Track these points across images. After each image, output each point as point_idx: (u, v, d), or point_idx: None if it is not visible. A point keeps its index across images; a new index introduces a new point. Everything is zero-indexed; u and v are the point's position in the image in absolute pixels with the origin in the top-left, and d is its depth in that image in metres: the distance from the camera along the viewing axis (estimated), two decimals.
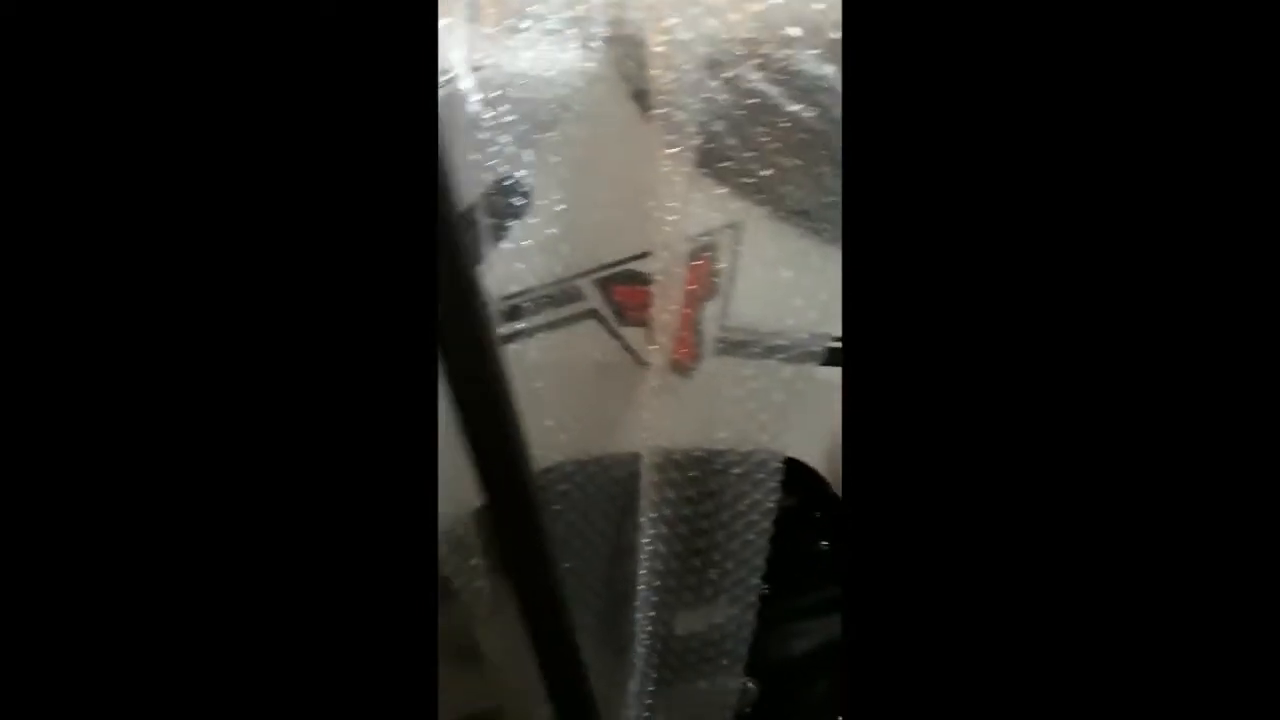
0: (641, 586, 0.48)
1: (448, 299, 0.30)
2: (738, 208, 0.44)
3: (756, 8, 0.40)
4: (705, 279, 0.45)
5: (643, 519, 0.47)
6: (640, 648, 0.48)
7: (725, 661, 0.49)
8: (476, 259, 0.32)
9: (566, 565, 0.46)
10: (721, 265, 0.45)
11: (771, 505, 0.46)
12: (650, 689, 0.49)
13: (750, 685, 0.52)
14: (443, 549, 0.49)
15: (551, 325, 0.46)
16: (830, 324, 0.46)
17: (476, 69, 0.45)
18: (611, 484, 0.48)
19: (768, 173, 0.43)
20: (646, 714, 0.50)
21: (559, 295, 0.46)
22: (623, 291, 0.46)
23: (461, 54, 0.44)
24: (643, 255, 0.45)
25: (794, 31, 0.40)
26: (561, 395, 0.45)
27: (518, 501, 0.36)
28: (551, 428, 0.46)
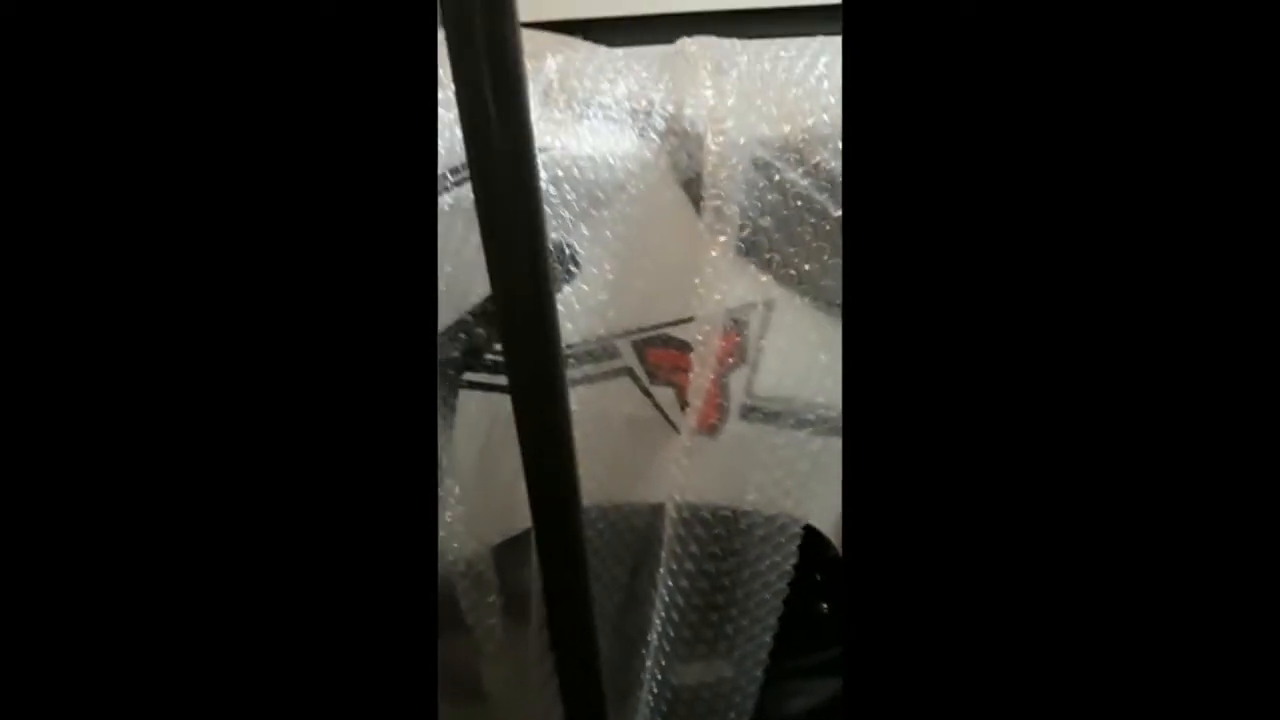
0: (654, 635, 0.50)
1: (522, 334, 0.34)
2: (773, 290, 0.49)
3: (807, 122, 0.46)
4: (737, 349, 0.49)
5: (662, 569, 0.49)
6: (648, 694, 0.50)
7: (731, 715, 0.50)
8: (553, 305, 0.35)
9: None
10: (753, 338, 0.49)
11: (789, 568, 0.49)
12: None
13: None
14: (462, 583, 0.51)
15: (588, 379, 0.50)
16: (834, 388, 0.50)
17: (543, 150, 0.50)
18: (631, 533, 0.51)
19: (806, 265, 0.48)
20: None
21: (598, 352, 0.50)
22: (656, 354, 0.50)
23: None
24: (679, 322, 0.50)
25: (839, 144, 0.46)
26: (591, 444, 0.49)
27: (566, 535, 0.39)
28: (579, 475, 0.49)
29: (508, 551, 0.51)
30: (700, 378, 0.48)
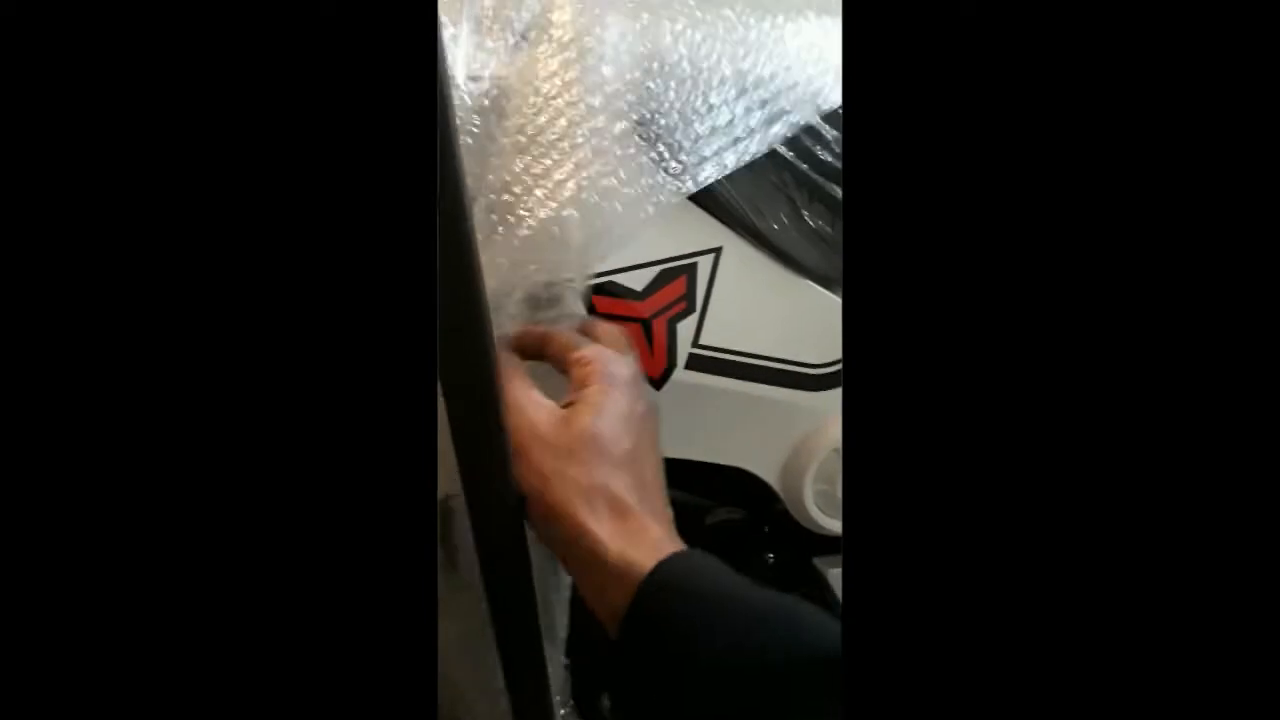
0: None
1: (445, 290, 0.32)
2: (722, 236, 0.47)
3: (765, 71, 0.43)
4: (684, 296, 0.47)
5: None
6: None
7: None
8: (475, 254, 0.33)
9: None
10: (700, 285, 0.47)
11: (736, 520, 0.48)
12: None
13: None
14: None
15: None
16: (793, 350, 0.49)
17: (474, 79, 0.47)
18: None
19: (757, 212, 0.46)
20: (608, 704, 0.52)
21: (540, 299, 0.48)
22: (602, 302, 0.48)
23: (462, 64, 0.46)
24: (624, 269, 0.48)
25: (794, 91, 0.43)
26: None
27: (498, 498, 0.37)
28: None
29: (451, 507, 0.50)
30: (643, 325, 0.47)
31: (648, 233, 0.46)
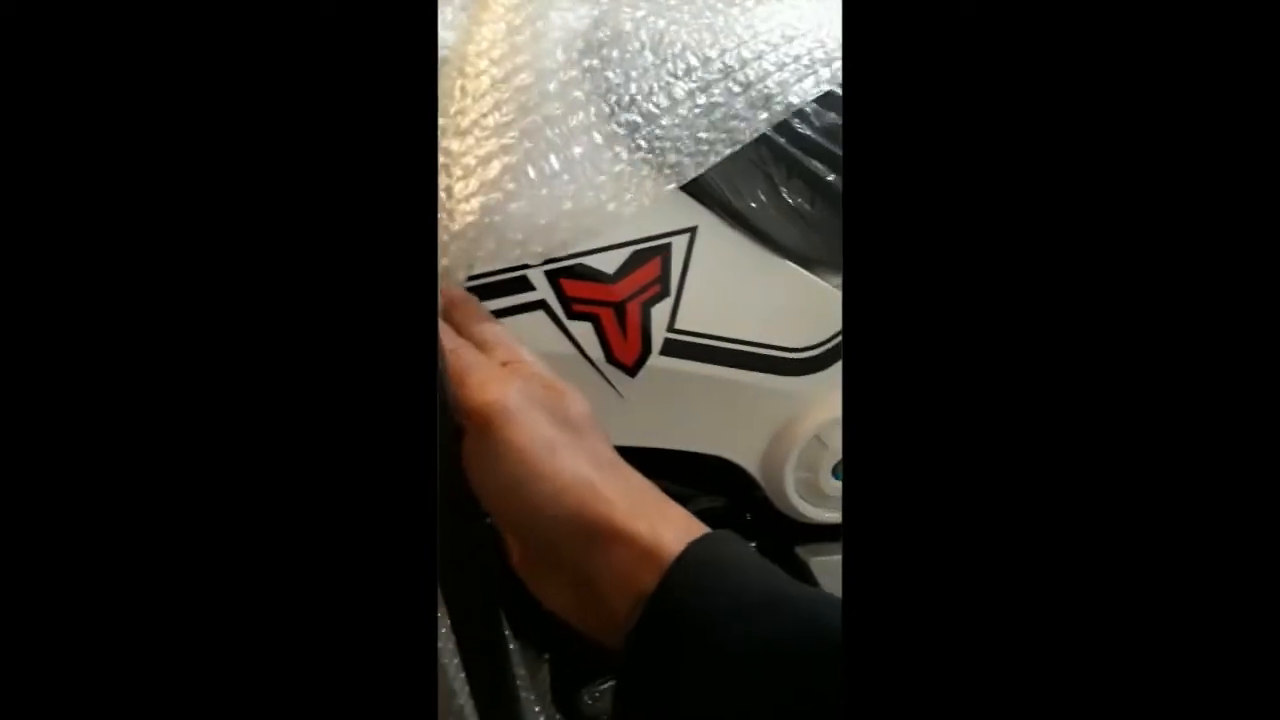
0: None
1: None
2: (698, 216, 0.45)
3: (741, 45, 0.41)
4: (656, 280, 0.45)
5: None
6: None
7: None
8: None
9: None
10: (675, 267, 0.45)
11: (716, 508, 0.47)
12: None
13: None
14: None
15: (498, 314, 0.46)
16: (772, 333, 0.47)
17: (441, 45, 0.44)
18: None
19: (734, 190, 0.44)
20: (589, 702, 0.50)
21: (508, 283, 0.46)
22: (572, 286, 0.46)
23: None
24: (595, 251, 0.45)
25: (771, 56, 0.41)
26: None
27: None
28: None
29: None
30: (615, 309, 0.45)
31: (619, 216, 0.44)
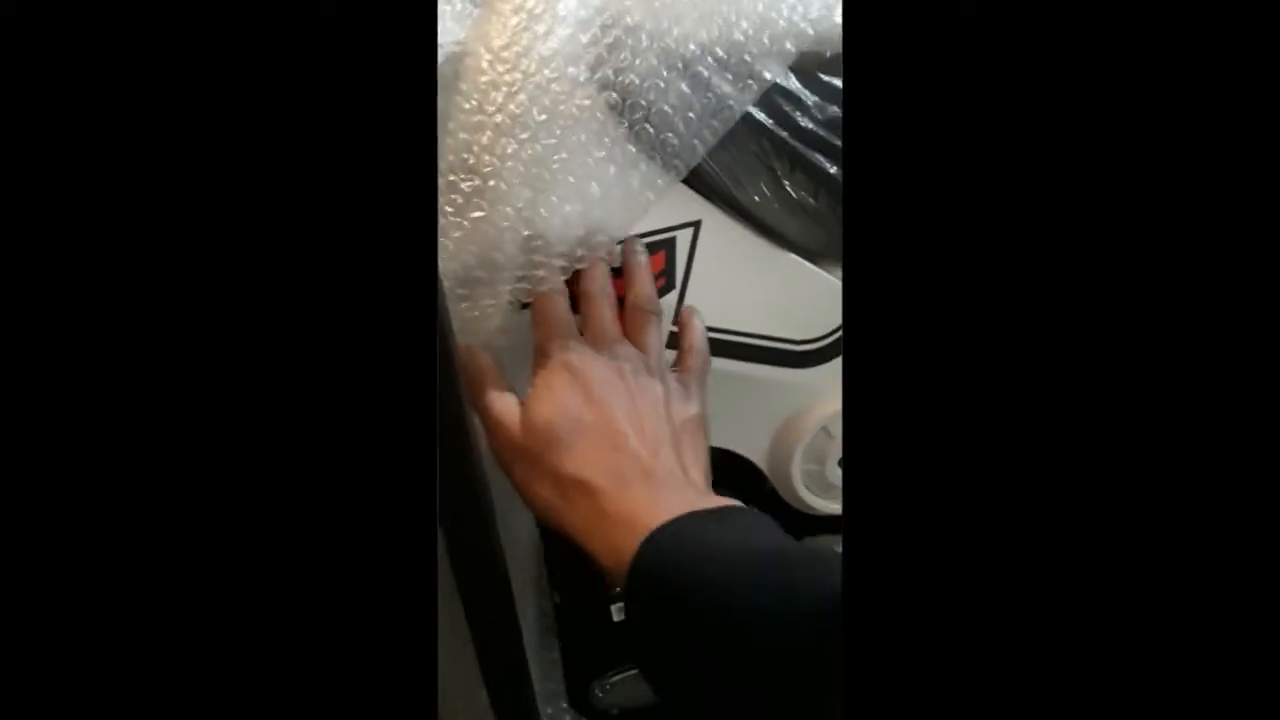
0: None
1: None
2: (702, 209, 0.45)
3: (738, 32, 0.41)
4: (663, 272, 0.46)
5: None
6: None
7: None
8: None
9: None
10: (680, 260, 0.46)
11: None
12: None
13: None
14: None
15: (510, 306, 0.46)
16: (777, 326, 0.48)
17: (456, 42, 0.45)
18: None
19: (738, 184, 0.44)
20: (599, 695, 0.51)
21: (518, 278, 0.46)
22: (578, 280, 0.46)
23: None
24: (603, 244, 0.46)
25: (767, 45, 0.42)
26: (512, 376, 0.46)
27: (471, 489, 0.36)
28: None
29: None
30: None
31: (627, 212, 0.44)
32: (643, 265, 0.44)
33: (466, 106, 0.42)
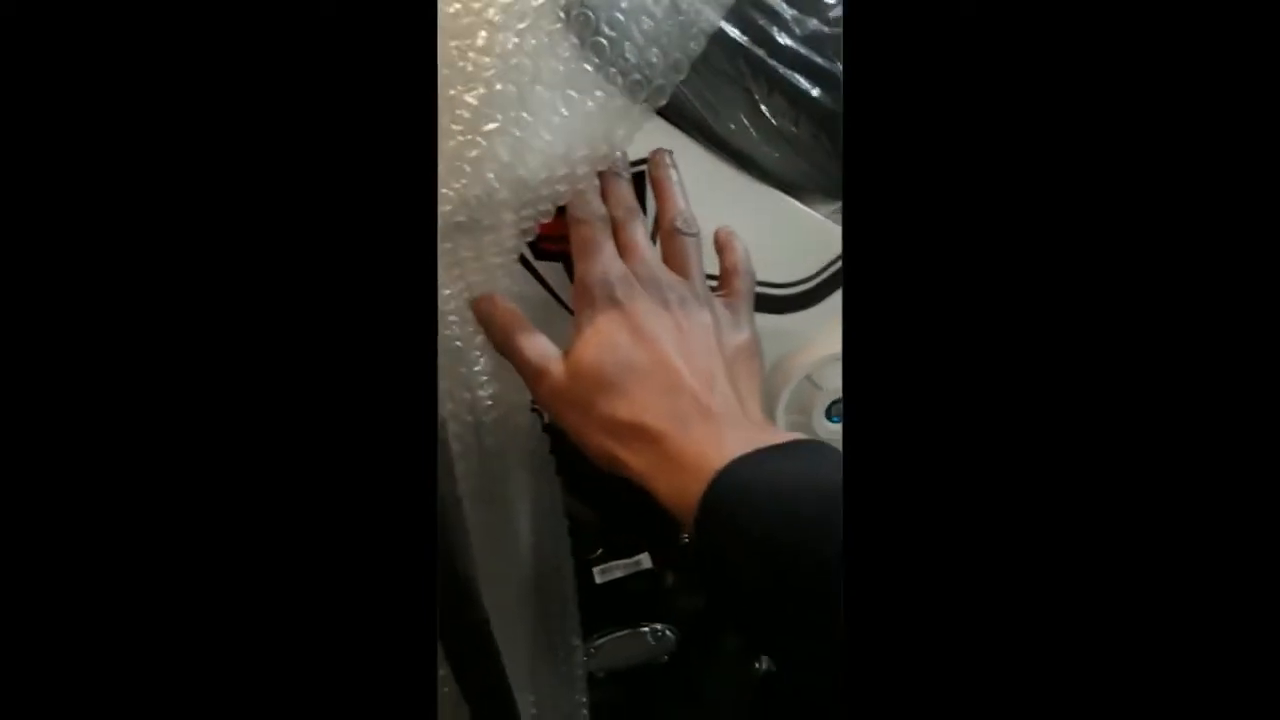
0: (566, 544, 0.46)
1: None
2: (670, 137, 0.41)
3: None
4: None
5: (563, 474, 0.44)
6: (571, 596, 0.47)
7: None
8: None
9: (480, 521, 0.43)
10: (648, 198, 0.42)
11: None
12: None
13: (669, 633, 0.52)
14: None
15: (468, 259, 0.42)
16: (757, 267, 0.44)
17: None
18: (524, 437, 0.45)
19: (705, 106, 0.40)
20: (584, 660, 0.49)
21: (479, 224, 0.42)
22: (545, 224, 0.42)
23: None
24: (567, 183, 0.42)
25: None
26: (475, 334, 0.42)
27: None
28: (462, 374, 0.42)
29: None
30: None
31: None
32: (675, 180, 0.41)
33: (452, 11, 0.38)
